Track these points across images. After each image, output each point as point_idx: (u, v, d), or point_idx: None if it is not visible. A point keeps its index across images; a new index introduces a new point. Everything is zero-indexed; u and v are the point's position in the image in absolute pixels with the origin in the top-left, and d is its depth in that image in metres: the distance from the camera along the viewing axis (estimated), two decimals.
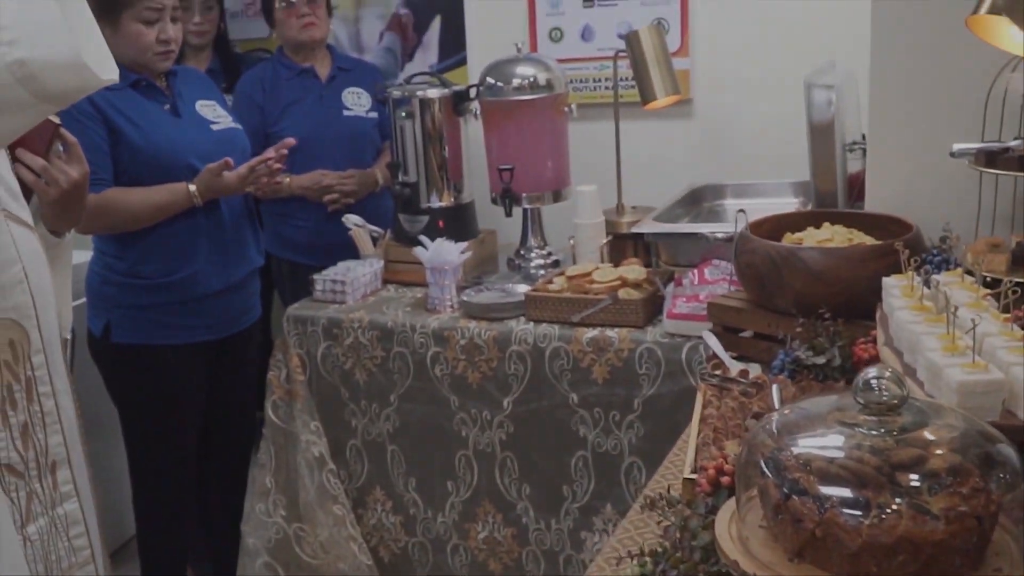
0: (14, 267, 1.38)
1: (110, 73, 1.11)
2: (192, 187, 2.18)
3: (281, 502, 2.36)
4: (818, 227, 1.69)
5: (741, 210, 1.70)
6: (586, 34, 2.95)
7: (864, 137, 2.04)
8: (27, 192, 1.52)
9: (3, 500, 1.33)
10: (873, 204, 1.81)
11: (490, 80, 2.47)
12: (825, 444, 0.89)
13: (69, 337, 1.69)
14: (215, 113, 2.33)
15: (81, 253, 2.36)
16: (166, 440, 2.31)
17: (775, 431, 0.96)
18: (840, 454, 0.86)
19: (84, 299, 2.31)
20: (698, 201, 2.58)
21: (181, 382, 2.29)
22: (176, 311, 2.22)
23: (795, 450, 0.89)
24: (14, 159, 1.49)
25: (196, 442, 2.38)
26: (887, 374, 0.89)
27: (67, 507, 1.46)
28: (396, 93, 2.57)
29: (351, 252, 2.54)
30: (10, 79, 1.03)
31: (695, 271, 2.04)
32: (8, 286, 1.36)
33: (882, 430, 0.87)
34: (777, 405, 1.25)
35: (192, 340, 2.26)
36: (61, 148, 1.55)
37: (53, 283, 1.53)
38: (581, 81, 2.96)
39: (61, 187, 1.53)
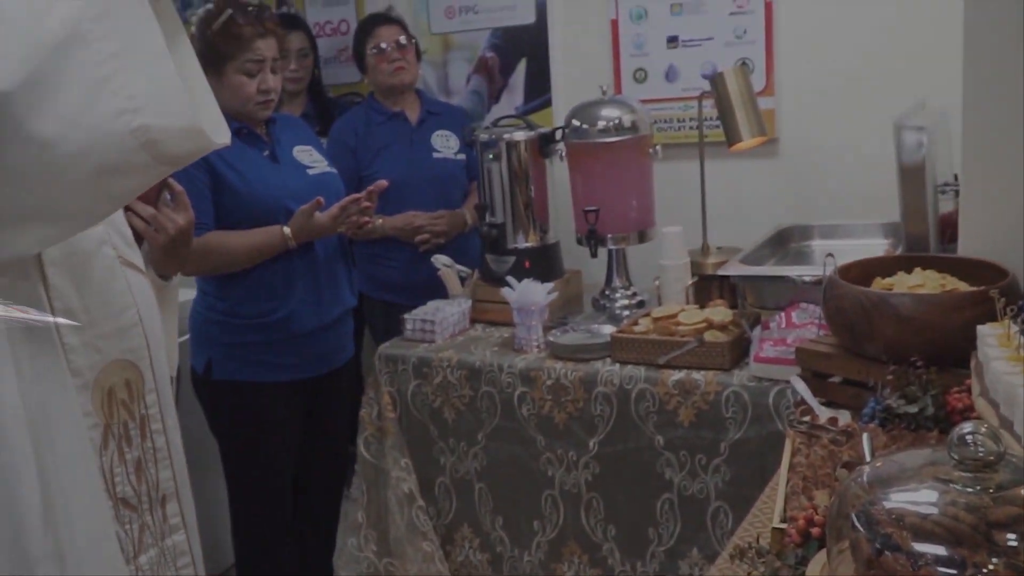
0: (130, 311, 1.47)
1: (223, 137, 1.19)
2: (287, 229, 2.26)
3: (372, 537, 2.41)
4: (909, 272, 1.67)
5: (830, 254, 1.70)
6: (670, 74, 2.97)
7: (957, 178, 2.01)
8: (138, 238, 1.63)
9: (117, 532, 1.41)
10: (966, 248, 1.78)
11: (575, 122, 2.51)
12: (919, 499, 0.88)
13: (175, 375, 1.78)
14: (311, 158, 2.42)
15: (185, 292, 2.47)
16: (264, 473, 2.39)
17: (867, 483, 0.96)
18: (934, 510, 0.85)
19: (187, 336, 2.41)
20: (785, 242, 2.56)
21: (278, 418, 2.36)
22: (273, 349, 2.30)
23: (888, 504, 0.89)
24: (127, 208, 1.59)
25: (292, 476, 2.45)
26: (983, 430, 0.88)
27: (175, 539, 1.54)
28: (483, 136, 2.63)
29: (440, 291, 2.59)
30: (134, 143, 1.11)
31: (782, 314, 2.02)
32: (125, 329, 1.45)
33: (978, 487, 0.86)
34: (868, 455, 1.24)
35: (288, 378, 2.34)
36: (169, 197, 1.66)
37: (162, 324, 1.62)
38: (665, 121, 2.98)
39: (169, 233, 1.64)
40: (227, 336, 2.31)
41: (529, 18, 3.17)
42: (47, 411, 1.30)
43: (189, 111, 1.12)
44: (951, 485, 0.87)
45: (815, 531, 1.05)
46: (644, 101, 2.71)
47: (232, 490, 2.43)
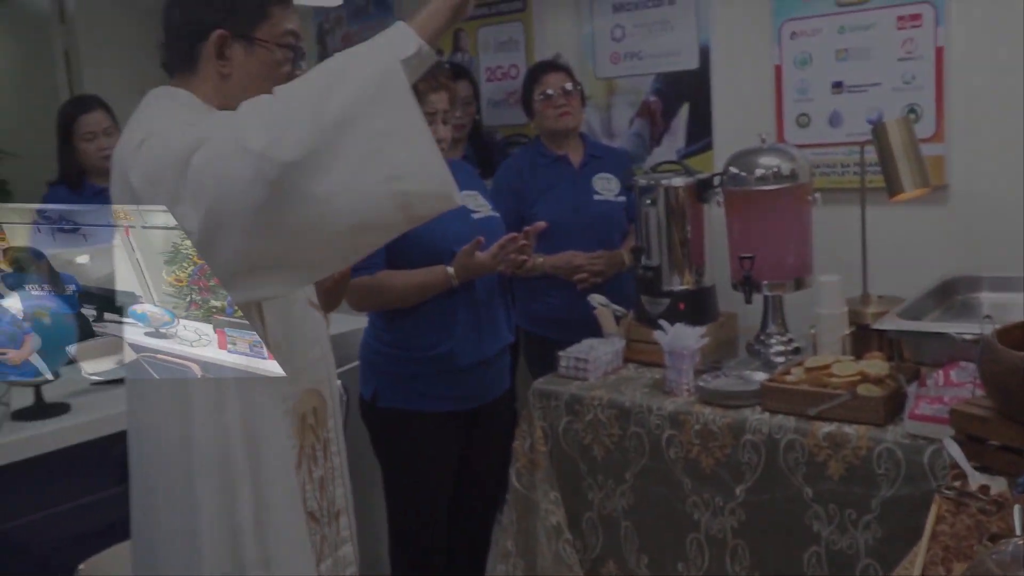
0: (317, 346, 1.66)
1: (459, 198, 1.34)
2: (450, 269, 2.40)
3: (520, 566, 2.49)
4: None
5: (987, 316, 1.66)
6: (834, 120, 2.95)
7: None
8: None
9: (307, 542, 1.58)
10: None
11: (733, 170, 2.53)
12: None
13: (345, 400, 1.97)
14: (476, 203, 2.56)
15: (358, 321, 2.67)
16: (422, 497, 2.52)
17: (1006, 561, 0.97)
18: None
19: (357, 364, 2.60)
20: (950, 294, 2.49)
21: (437, 445, 2.50)
22: (435, 382, 2.44)
23: None
24: None
25: (449, 500, 2.57)
26: None
27: (345, 550, 1.71)
28: (642, 181, 2.70)
29: (596, 329, 2.67)
30: (393, 206, 1.29)
31: (940, 371, 1.98)
32: (315, 362, 1.64)
33: None
34: (1019, 529, 1.22)
35: (448, 408, 2.47)
36: None
37: None
38: (828, 166, 2.96)
39: (333, 278, 1.82)
40: (393, 367, 2.47)
41: (692, 64, 3.22)
42: (262, 433, 1.50)
43: (443, 178, 1.29)
44: None
45: None
46: (806, 146, 2.70)
47: (391, 510, 2.58)
